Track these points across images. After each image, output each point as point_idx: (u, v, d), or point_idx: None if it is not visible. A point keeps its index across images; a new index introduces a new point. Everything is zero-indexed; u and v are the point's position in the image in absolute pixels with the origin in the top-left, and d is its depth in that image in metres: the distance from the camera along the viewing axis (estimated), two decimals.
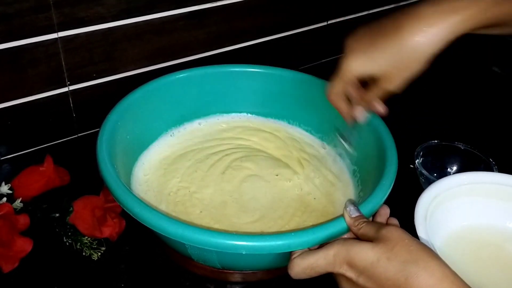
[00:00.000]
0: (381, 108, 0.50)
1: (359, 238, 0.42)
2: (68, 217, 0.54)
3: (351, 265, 0.39)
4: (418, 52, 0.44)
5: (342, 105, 0.52)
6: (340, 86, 0.50)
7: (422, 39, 0.44)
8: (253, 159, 0.63)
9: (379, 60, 0.46)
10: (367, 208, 0.46)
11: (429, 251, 0.38)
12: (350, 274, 0.39)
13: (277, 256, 0.45)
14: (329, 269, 0.40)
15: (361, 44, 0.47)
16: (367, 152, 0.58)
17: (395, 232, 0.39)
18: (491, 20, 0.45)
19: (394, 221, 0.48)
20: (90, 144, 0.52)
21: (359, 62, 0.47)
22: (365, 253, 0.38)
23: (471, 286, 0.41)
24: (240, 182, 0.59)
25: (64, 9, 0.59)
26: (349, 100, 0.52)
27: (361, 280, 0.38)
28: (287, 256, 0.43)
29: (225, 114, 0.69)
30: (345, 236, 0.44)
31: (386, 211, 0.48)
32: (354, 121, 0.53)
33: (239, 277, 0.51)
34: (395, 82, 0.46)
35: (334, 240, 0.42)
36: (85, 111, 0.69)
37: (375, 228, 0.40)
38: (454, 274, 0.36)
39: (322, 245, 0.43)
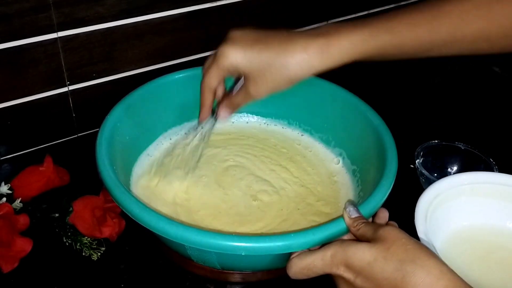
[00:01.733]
0: (226, 114, 0.53)
1: (358, 238, 0.42)
2: (67, 217, 0.54)
3: (348, 266, 0.39)
4: (287, 71, 0.46)
5: (209, 98, 0.53)
6: (216, 73, 0.50)
7: (295, 61, 0.45)
8: (253, 160, 0.63)
9: (254, 61, 0.47)
10: (367, 208, 0.45)
11: (426, 250, 0.38)
12: (347, 275, 0.39)
13: (277, 257, 0.45)
14: (327, 270, 0.40)
15: (245, 39, 0.48)
16: (367, 152, 0.58)
17: (392, 232, 0.39)
18: (367, 53, 0.46)
19: (393, 225, 0.48)
20: (90, 144, 0.52)
21: (236, 54, 0.47)
22: (362, 253, 0.38)
23: (471, 285, 0.41)
24: (240, 182, 0.59)
25: (64, 9, 0.59)
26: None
27: (358, 281, 0.38)
28: (287, 257, 0.43)
29: None
30: (345, 237, 0.44)
31: (384, 214, 0.48)
32: (211, 115, 0.54)
33: (239, 277, 0.51)
34: (259, 89, 0.48)
35: (332, 241, 0.42)
36: (85, 111, 0.69)
37: (373, 229, 0.40)
38: (452, 272, 0.36)
39: (322, 245, 0.43)
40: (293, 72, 0.46)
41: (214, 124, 0.55)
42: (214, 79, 0.51)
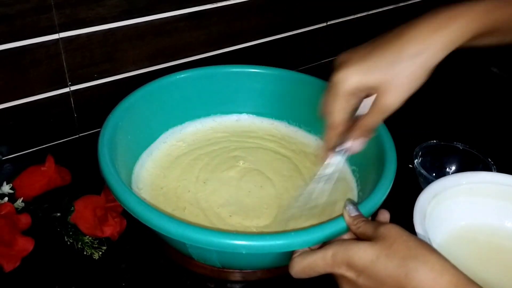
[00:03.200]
0: (361, 144, 0.46)
1: (358, 237, 0.43)
2: (69, 217, 0.55)
3: (350, 265, 0.39)
4: (420, 58, 0.42)
5: (334, 139, 0.47)
6: (339, 105, 0.44)
7: (423, 45, 0.42)
8: (253, 160, 0.63)
9: (375, 70, 0.42)
10: (366, 207, 0.46)
11: (428, 246, 0.38)
12: (349, 274, 0.39)
13: (278, 255, 0.45)
14: (328, 269, 0.40)
15: (355, 57, 0.44)
16: (366, 152, 0.58)
17: (393, 230, 0.39)
18: (488, 26, 0.44)
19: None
20: (91, 144, 0.52)
21: (357, 73, 0.43)
22: (364, 252, 0.38)
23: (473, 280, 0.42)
24: (241, 182, 0.59)
25: (66, 10, 0.60)
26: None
27: (361, 280, 0.38)
28: (288, 256, 0.43)
29: (225, 115, 0.69)
30: (345, 236, 0.44)
31: (385, 216, 0.47)
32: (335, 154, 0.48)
33: (239, 276, 0.52)
34: (395, 95, 0.43)
35: (333, 241, 0.42)
36: (86, 111, 0.69)
37: (374, 227, 0.40)
38: (455, 267, 0.37)
39: (323, 244, 0.43)
40: (426, 57, 0.42)
41: (343, 162, 0.48)
42: (339, 115, 0.45)
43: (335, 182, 0.51)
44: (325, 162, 0.48)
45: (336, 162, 0.48)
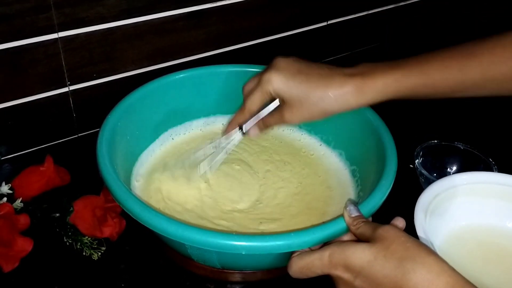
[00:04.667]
0: (256, 132, 0.55)
1: (357, 237, 0.42)
2: (68, 217, 0.55)
3: (347, 266, 0.39)
4: (323, 104, 0.49)
5: (245, 118, 0.54)
6: (259, 98, 0.52)
7: (331, 96, 0.48)
8: (254, 160, 0.63)
9: (294, 90, 0.49)
10: (366, 207, 0.46)
11: (426, 248, 0.38)
12: (346, 275, 0.39)
13: (277, 256, 0.45)
14: (325, 270, 0.40)
15: (288, 68, 0.50)
16: (366, 152, 0.58)
17: (391, 231, 0.39)
18: (400, 93, 0.48)
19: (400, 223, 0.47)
20: (90, 144, 0.52)
21: (280, 81, 0.50)
22: (361, 253, 0.38)
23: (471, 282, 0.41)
24: (241, 182, 0.59)
25: (65, 9, 0.59)
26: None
27: (358, 282, 0.38)
28: (288, 256, 0.43)
29: (225, 115, 0.69)
30: (345, 237, 0.44)
31: (398, 224, 0.44)
32: (237, 129, 0.56)
33: (239, 277, 0.52)
34: (293, 116, 0.50)
35: (331, 242, 0.42)
36: (85, 111, 0.69)
37: (373, 228, 0.40)
38: (452, 268, 0.36)
39: (323, 245, 0.43)
40: (329, 106, 0.49)
41: (240, 139, 0.56)
42: (256, 104, 0.53)
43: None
44: (228, 135, 0.56)
45: (237, 138, 0.56)
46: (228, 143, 0.57)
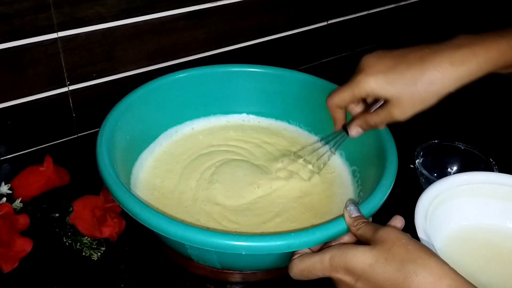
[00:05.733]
0: (358, 132, 0.53)
1: (358, 238, 0.42)
2: (68, 217, 0.54)
3: (348, 269, 0.38)
4: (435, 86, 0.45)
5: (341, 116, 0.53)
6: (348, 97, 0.49)
7: (442, 75, 0.45)
8: (254, 160, 0.63)
9: (397, 85, 0.46)
10: (367, 208, 0.45)
11: (427, 250, 0.37)
12: (347, 278, 0.39)
13: (277, 256, 0.45)
14: (326, 273, 0.40)
15: (382, 65, 0.47)
16: (367, 152, 0.58)
17: (392, 233, 0.39)
18: (509, 62, 0.46)
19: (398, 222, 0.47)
20: (90, 144, 0.52)
21: (378, 82, 0.46)
22: (362, 256, 0.38)
23: (473, 284, 0.41)
24: (241, 183, 0.59)
25: (64, 9, 0.59)
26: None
27: (359, 285, 0.38)
28: (288, 257, 0.43)
29: (225, 114, 0.69)
30: (345, 238, 0.44)
31: (397, 223, 0.44)
32: (342, 132, 0.54)
33: (239, 277, 0.51)
34: (405, 110, 0.47)
35: (332, 244, 0.42)
36: (85, 111, 0.69)
37: (373, 229, 0.40)
38: (454, 271, 0.36)
39: (323, 246, 0.43)
40: (442, 86, 0.45)
41: (344, 140, 0.55)
42: (342, 101, 0.50)
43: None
44: (330, 136, 0.57)
45: (339, 137, 0.55)
46: (333, 144, 0.57)
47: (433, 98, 0.46)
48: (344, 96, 0.49)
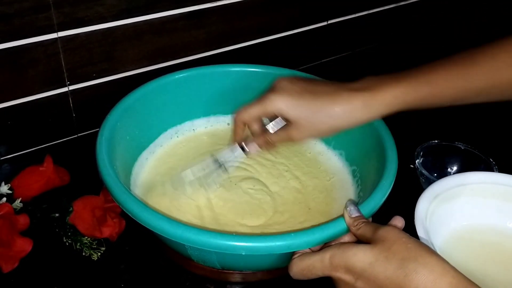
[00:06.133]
0: (257, 149, 0.53)
1: (358, 238, 0.42)
2: (68, 217, 0.54)
3: (348, 268, 0.38)
4: (334, 120, 0.48)
5: (242, 131, 0.54)
6: (257, 112, 0.51)
7: (340, 112, 0.48)
8: (253, 160, 0.63)
9: (301, 110, 0.48)
10: (367, 208, 0.45)
11: (427, 248, 0.37)
12: (347, 277, 0.39)
13: (277, 256, 0.45)
14: (326, 272, 0.40)
15: (293, 90, 0.50)
16: (367, 152, 0.58)
17: (391, 232, 0.39)
18: (408, 104, 0.48)
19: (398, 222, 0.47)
20: (90, 144, 0.52)
21: (286, 103, 0.49)
22: (362, 255, 0.38)
23: (474, 282, 0.41)
24: (240, 183, 0.59)
25: (64, 9, 0.59)
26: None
27: (359, 283, 0.38)
28: (287, 257, 0.43)
29: (225, 114, 0.69)
30: (345, 238, 0.44)
31: (397, 223, 0.44)
32: (238, 147, 0.54)
33: (239, 277, 0.51)
34: (302, 135, 0.50)
35: (332, 244, 0.42)
36: (85, 111, 0.69)
37: (373, 229, 0.40)
38: (455, 269, 0.36)
39: (323, 246, 0.43)
40: (338, 122, 0.48)
41: (241, 156, 0.54)
42: (248, 116, 0.52)
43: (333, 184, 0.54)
44: (228, 150, 0.55)
45: (235, 154, 0.54)
46: (229, 160, 0.55)
47: (327, 131, 0.49)
48: (254, 111, 0.51)
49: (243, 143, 0.53)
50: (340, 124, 0.49)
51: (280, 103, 0.49)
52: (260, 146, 0.53)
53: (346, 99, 0.48)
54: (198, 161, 0.57)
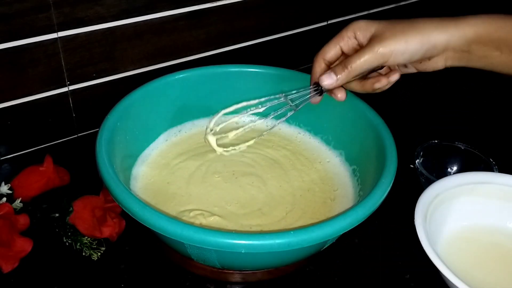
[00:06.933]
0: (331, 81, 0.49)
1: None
2: (68, 217, 0.54)
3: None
4: (420, 26, 0.46)
5: (320, 67, 0.51)
6: (336, 41, 0.49)
7: (427, 21, 0.46)
8: (253, 159, 0.63)
9: (383, 23, 0.47)
10: (366, 206, 0.45)
11: None
12: None
13: (277, 255, 0.45)
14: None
15: (365, 20, 0.48)
16: (367, 151, 0.58)
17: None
18: (492, 36, 0.46)
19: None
20: (90, 144, 0.52)
21: (363, 21, 0.48)
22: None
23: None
24: (239, 182, 0.59)
25: (64, 9, 0.59)
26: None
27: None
28: (287, 255, 0.43)
29: (225, 114, 0.68)
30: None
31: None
32: (316, 87, 0.50)
33: (239, 277, 0.51)
34: (387, 47, 0.46)
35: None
36: (85, 111, 0.69)
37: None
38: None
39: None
40: (426, 29, 0.46)
41: (309, 96, 0.50)
42: (328, 49, 0.49)
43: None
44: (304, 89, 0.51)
45: (310, 94, 0.50)
46: (300, 97, 0.50)
47: (416, 40, 0.45)
48: (332, 43, 0.49)
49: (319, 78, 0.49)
50: (428, 31, 0.45)
51: (358, 22, 0.48)
52: (337, 74, 0.48)
53: (432, 18, 0.46)
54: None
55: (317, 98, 0.51)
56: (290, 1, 0.80)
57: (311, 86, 0.50)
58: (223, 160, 0.62)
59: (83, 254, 0.53)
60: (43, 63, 0.61)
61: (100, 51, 0.65)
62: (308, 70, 0.70)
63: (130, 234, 0.55)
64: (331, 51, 0.49)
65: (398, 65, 0.51)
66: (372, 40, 0.46)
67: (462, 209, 0.55)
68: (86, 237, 0.53)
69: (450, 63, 0.47)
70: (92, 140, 0.52)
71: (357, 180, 0.59)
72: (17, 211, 0.55)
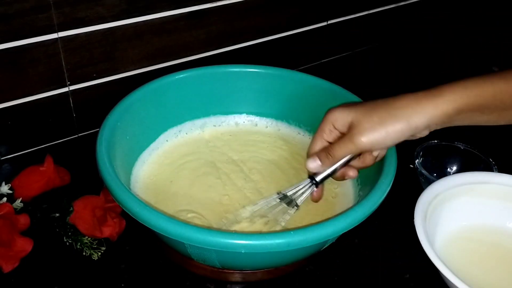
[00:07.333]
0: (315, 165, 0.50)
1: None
2: (68, 217, 0.54)
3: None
4: (400, 112, 0.46)
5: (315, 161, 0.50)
6: (318, 136, 0.50)
7: (404, 102, 0.46)
8: (253, 159, 0.63)
9: (360, 109, 0.47)
10: (366, 206, 0.46)
11: None
12: None
13: (277, 254, 0.45)
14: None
15: (344, 106, 0.49)
16: None
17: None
18: (471, 104, 0.46)
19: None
20: (90, 144, 0.52)
21: (340, 111, 0.48)
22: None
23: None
24: (240, 182, 0.59)
25: (64, 9, 0.59)
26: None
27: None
28: (287, 255, 0.43)
29: (225, 115, 0.69)
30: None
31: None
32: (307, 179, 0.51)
33: (239, 277, 0.51)
34: (366, 138, 0.46)
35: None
36: (85, 111, 0.69)
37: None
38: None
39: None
40: (404, 112, 0.46)
41: (310, 189, 0.51)
42: (315, 145, 0.50)
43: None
44: (299, 184, 0.51)
45: (306, 188, 0.51)
46: (298, 194, 0.51)
47: (396, 128, 0.45)
48: (316, 138, 0.50)
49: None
50: (407, 117, 0.45)
51: (333, 113, 0.48)
52: (321, 160, 0.49)
53: (408, 96, 0.46)
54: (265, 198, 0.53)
55: (317, 193, 0.52)
56: (290, 1, 0.80)
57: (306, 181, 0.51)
58: (223, 161, 0.62)
59: (84, 254, 0.53)
60: (44, 63, 0.61)
61: (101, 51, 0.65)
62: (308, 70, 0.70)
63: (131, 234, 0.55)
64: (317, 145, 0.50)
65: None
66: (352, 130, 0.47)
67: (461, 209, 0.55)
68: (87, 237, 0.54)
69: (434, 128, 0.48)
70: (92, 140, 0.52)
71: (357, 180, 0.59)
72: (18, 211, 0.55)
